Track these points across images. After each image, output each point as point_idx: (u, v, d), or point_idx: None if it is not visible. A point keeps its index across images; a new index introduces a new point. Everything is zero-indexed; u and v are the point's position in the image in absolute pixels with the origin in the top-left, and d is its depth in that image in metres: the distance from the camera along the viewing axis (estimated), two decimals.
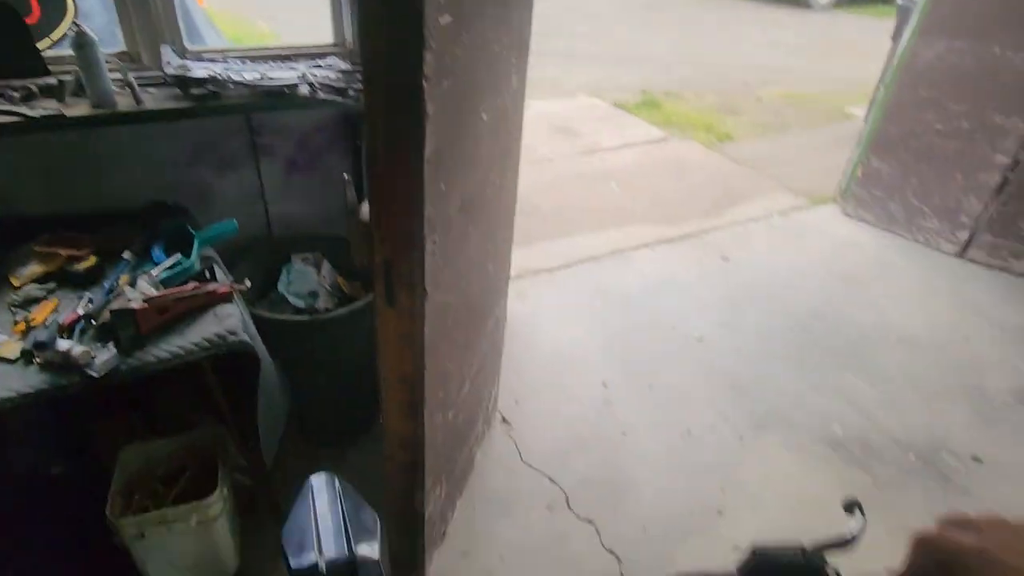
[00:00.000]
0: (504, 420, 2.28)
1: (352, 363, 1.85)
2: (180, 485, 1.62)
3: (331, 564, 0.73)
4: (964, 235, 3.40)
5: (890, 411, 2.37)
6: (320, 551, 0.74)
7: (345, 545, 0.76)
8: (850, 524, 0.50)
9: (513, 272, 3.14)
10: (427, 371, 1.23)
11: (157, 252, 1.53)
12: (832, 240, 3.61)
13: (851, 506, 0.52)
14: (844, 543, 0.48)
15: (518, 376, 2.46)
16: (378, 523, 0.82)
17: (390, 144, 0.97)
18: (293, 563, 0.73)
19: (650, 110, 5.58)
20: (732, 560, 0.52)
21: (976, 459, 2.18)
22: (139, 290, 1.36)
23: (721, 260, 3.34)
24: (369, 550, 0.76)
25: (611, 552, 1.84)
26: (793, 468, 2.15)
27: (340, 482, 0.86)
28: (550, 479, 2.06)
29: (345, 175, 1.90)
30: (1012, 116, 3.10)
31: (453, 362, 1.47)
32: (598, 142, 4.83)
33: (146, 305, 1.29)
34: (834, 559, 0.47)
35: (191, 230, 1.59)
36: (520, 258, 3.28)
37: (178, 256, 1.51)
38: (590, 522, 1.93)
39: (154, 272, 1.44)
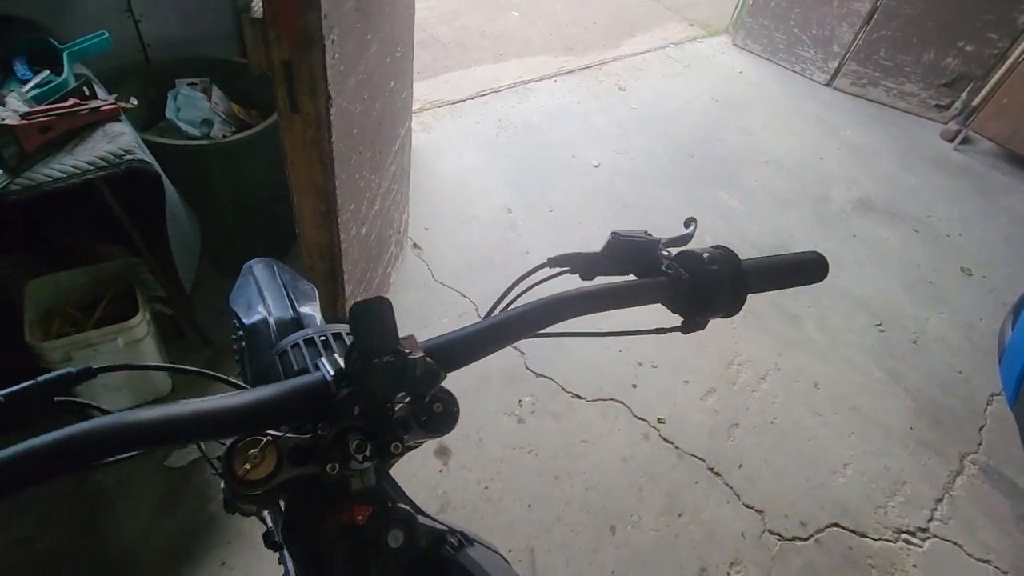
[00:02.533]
0: (416, 245, 2.42)
1: (259, 191, 1.86)
2: (99, 312, 1.66)
3: (279, 320, 0.80)
4: (834, 64, 3.68)
5: (751, 221, 2.74)
6: (268, 311, 0.85)
7: (289, 307, 0.87)
8: (687, 230, 0.69)
9: (417, 104, 3.11)
10: (339, 180, 1.30)
11: (21, 68, 1.41)
12: (720, 69, 3.78)
13: (689, 222, 0.71)
14: (681, 240, 0.67)
15: (427, 205, 2.56)
16: (315, 291, 0.93)
17: None
18: (245, 320, 0.81)
19: None
20: None
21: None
22: (10, 107, 1.28)
23: (618, 90, 3.44)
24: (311, 309, 0.88)
25: (515, 347, 2.13)
26: None
27: (277, 263, 0.95)
28: (461, 294, 2.27)
29: None
30: None
31: (363, 177, 1.53)
32: None
33: (24, 121, 1.23)
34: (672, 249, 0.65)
35: (56, 44, 1.45)
36: (423, 90, 3.22)
37: (46, 73, 1.39)
38: None
39: (23, 89, 1.34)
